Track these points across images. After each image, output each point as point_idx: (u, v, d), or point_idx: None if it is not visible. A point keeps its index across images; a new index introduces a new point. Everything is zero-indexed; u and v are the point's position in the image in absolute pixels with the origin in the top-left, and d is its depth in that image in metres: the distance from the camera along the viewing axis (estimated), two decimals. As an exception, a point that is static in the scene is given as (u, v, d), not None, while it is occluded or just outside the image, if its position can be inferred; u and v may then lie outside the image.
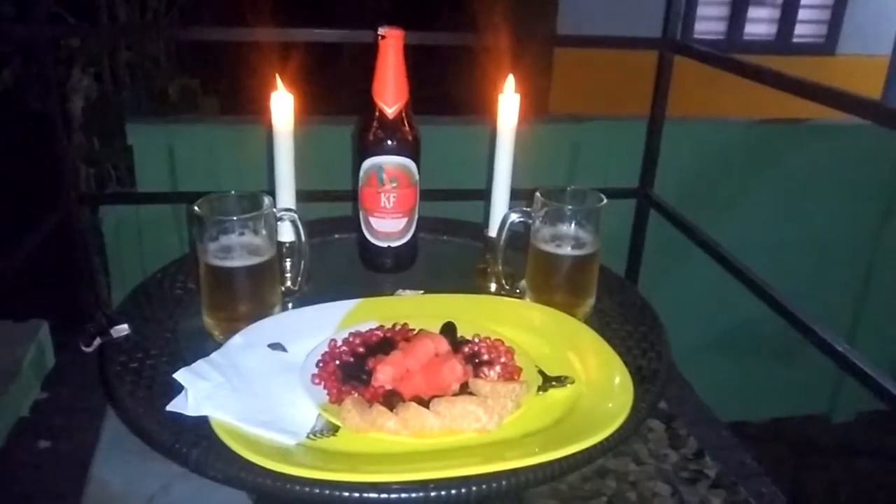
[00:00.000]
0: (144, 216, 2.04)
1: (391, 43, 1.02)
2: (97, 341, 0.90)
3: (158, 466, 1.04)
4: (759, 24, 4.84)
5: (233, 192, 0.92)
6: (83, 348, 0.91)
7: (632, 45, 2.04)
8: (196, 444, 0.73)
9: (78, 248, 1.71)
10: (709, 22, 4.69)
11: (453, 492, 0.69)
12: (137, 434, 0.77)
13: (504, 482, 0.71)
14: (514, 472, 0.71)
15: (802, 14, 4.87)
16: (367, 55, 1.05)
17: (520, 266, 1.05)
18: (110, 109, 2.36)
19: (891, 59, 4.28)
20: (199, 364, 0.80)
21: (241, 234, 0.90)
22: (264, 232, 0.91)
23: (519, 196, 1.12)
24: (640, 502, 1.61)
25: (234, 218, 0.89)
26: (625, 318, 1.04)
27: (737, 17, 4.75)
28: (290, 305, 1.00)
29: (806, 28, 4.93)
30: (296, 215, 0.96)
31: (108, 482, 1.14)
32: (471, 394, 0.79)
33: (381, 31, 1.02)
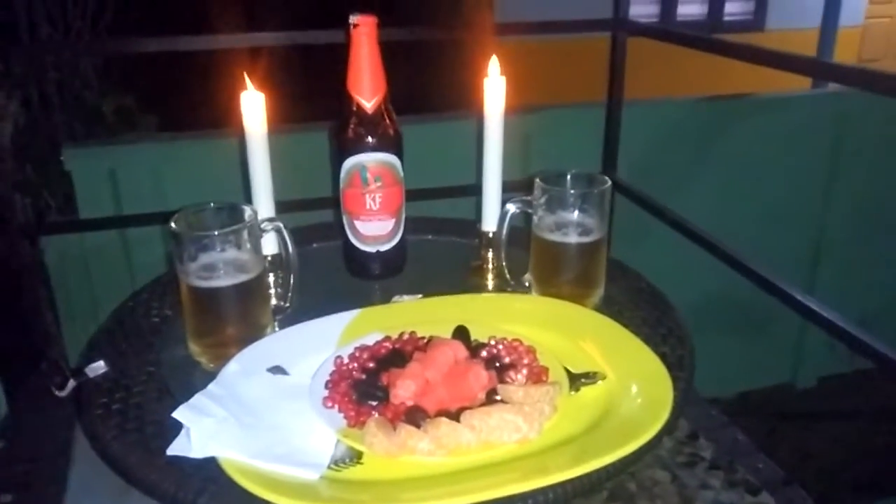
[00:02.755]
0: (90, 245, 1.92)
1: (364, 31, 0.94)
2: (71, 383, 0.80)
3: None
4: (691, 5, 4.92)
5: (211, 203, 0.83)
6: (56, 393, 0.80)
7: (582, 27, 2.01)
8: (203, 489, 0.65)
9: (23, 285, 1.58)
10: (641, 5, 4.73)
11: (498, 512, 0.63)
12: (133, 484, 0.68)
13: (551, 495, 0.65)
14: (561, 484, 0.65)
15: (730, -8, 4.98)
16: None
17: (518, 259, 0.99)
18: (42, 135, 2.21)
19: (821, 28, 4.39)
20: (198, 398, 0.71)
21: (224, 249, 0.81)
22: (249, 246, 0.82)
23: (505, 189, 1.06)
24: (641, 491, 1.57)
25: (216, 233, 0.80)
26: (635, 304, 0.99)
27: (668, -1, 4.81)
28: (278, 324, 0.92)
29: (735, 6, 5.04)
30: (280, 224, 0.88)
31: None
32: (501, 402, 0.72)
33: (352, 19, 0.94)
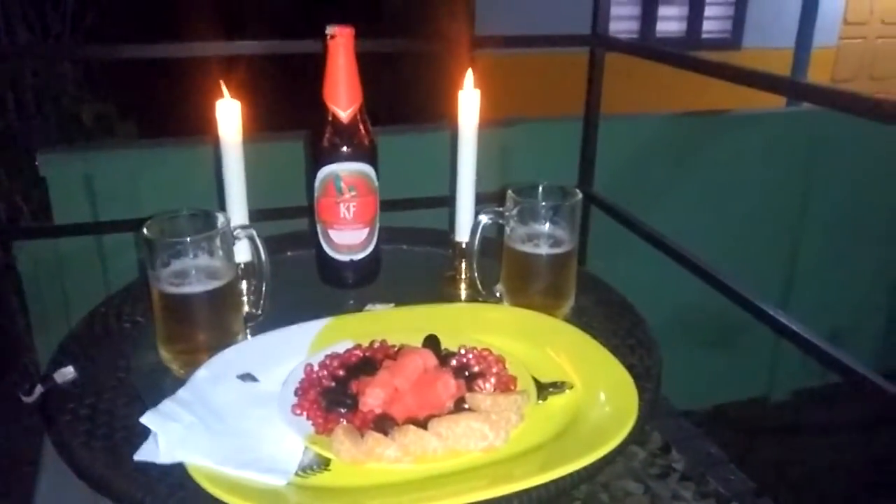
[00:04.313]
0: (64, 251, 1.90)
1: (341, 42, 0.95)
2: (39, 389, 0.80)
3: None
4: (670, 21, 4.99)
5: (184, 210, 0.84)
6: (23, 398, 0.80)
7: (561, 42, 2.03)
8: (171, 495, 0.65)
9: (-6, 290, 1.57)
10: (621, 21, 4.79)
11: (465, 519, 0.63)
12: (100, 491, 0.68)
13: (516, 502, 0.66)
14: (527, 491, 0.66)
15: (709, 11, 5.05)
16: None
17: (490, 270, 1.00)
18: (17, 139, 2.19)
19: (795, 48, 4.48)
20: (166, 404, 0.71)
21: (196, 256, 0.81)
22: (221, 253, 0.82)
23: (479, 200, 1.07)
24: (614, 502, 1.58)
25: (188, 239, 0.80)
26: (605, 315, 1.00)
27: (648, 16, 4.87)
28: (249, 332, 0.92)
29: (713, 24, 5.12)
30: (253, 231, 0.88)
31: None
32: (469, 410, 0.73)
33: (329, 30, 0.95)
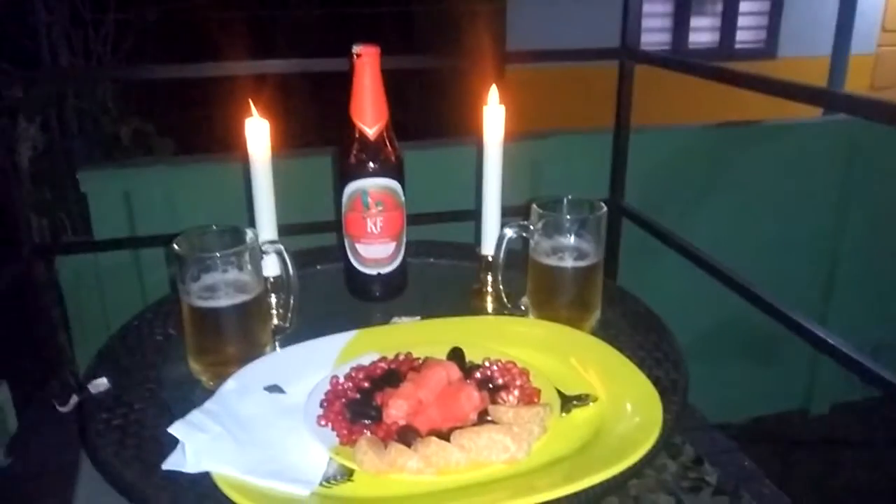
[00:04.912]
0: (103, 265, 1.95)
1: (367, 61, 0.97)
2: (74, 399, 0.82)
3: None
4: (702, 32, 4.96)
5: (213, 226, 0.86)
6: (59, 408, 0.83)
7: (590, 56, 2.04)
8: (198, 504, 0.66)
9: (36, 303, 1.62)
10: (653, 33, 4.77)
11: (486, 531, 0.64)
12: (130, 498, 0.70)
13: (538, 514, 0.66)
14: (549, 503, 0.66)
15: (742, 21, 5.01)
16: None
17: (516, 283, 1.00)
18: (60, 158, 2.26)
19: (832, 56, 4.41)
20: (195, 414, 0.72)
21: (226, 270, 0.83)
22: (250, 267, 0.84)
23: (504, 214, 1.08)
24: (645, 516, 1.56)
25: (218, 254, 0.82)
26: (633, 328, 0.99)
27: (680, 27, 4.85)
28: (278, 344, 0.93)
29: (747, 34, 5.07)
30: (281, 246, 0.90)
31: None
32: (492, 422, 0.73)
33: (355, 49, 0.97)
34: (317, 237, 1.40)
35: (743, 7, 5.00)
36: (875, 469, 2.68)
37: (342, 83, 1.04)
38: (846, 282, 2.67)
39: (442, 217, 1.75)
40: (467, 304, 1.07)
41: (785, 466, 2.71)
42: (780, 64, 4.95)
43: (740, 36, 5.05)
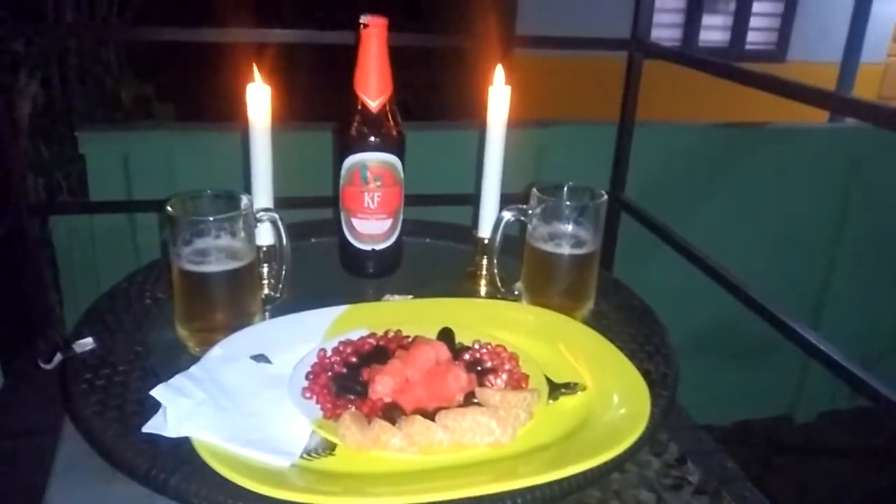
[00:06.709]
0: (98, 227, 1.93)
1: (374, 32, 0.96)
2: (58, 357, 0.81)
3: (121, 489, 0.94)
4: (714, 31, 4.93)
5: (208, 191, 0.84)
6: (42, 365, 0.82)
7: (599, 45, 2.02)
8: (176, 469, 0.65)
9: (27, 261, 1.60)
10: (663, 28, 4.74)
11: (465, 513, 0.63)
12: (108, 460, 0.69)
13: (519, 500, 0.65)
14: (531, 489, 0.65)
15: (754, 22, 4.98)
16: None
17: (512, 268, 0.99)
18: (59, 116, 2.24)
19: (842, 63, 4.40)
20: (178, 379, 0.72)
21: (218, 236, 0.82)
22: (243, 234, 0.83)
23: (504, 201, 1.06)
24: (626, 512, 1.56)
25: (211, 219, 0.81)
26: (625, 320, 0.99)
27: (691, 25, 4.82)
28: (268, 314, 0.92)
29: (758, 36, 5.05)
30: (276, 215, 0.89)
31: (65, 510, 1.04)
32: (478, 405, 0.72)
33: (363, 19, 0.95)
34: (313, 212, 1.39)
35: (756, 8, 4.97)
36: (859, 478, 2.69)
37: (348, 60, 1.03)
38: (841, 291, 2.67)
39: (442, 199, 1.73)
40: (460, 285, 1.06)
41: (766, 471, 2.72)
42: (789, 67, 4.93)
43: (751, 37, 5.02)
